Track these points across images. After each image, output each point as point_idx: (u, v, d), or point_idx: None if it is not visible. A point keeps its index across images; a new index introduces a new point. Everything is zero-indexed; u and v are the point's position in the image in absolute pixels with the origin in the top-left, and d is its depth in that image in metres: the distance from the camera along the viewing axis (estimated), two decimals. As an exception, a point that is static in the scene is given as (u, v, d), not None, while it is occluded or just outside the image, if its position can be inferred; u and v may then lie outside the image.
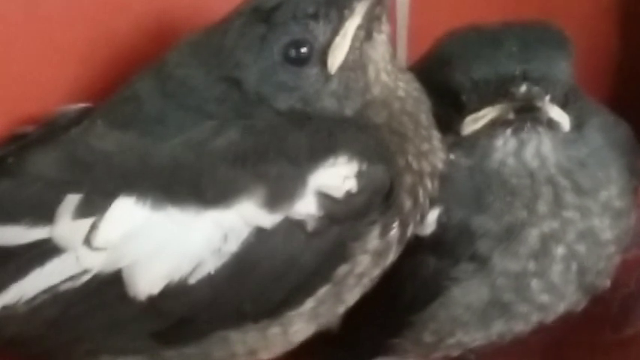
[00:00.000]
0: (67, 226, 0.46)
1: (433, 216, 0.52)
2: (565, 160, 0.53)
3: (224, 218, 0.45)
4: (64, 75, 0.58)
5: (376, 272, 0.49)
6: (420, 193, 0.49)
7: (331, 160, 0.46)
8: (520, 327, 0.55)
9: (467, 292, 0.53)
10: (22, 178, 0.48)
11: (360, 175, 0.46)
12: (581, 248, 0.53)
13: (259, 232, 0.45)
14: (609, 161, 0.54)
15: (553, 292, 0.54)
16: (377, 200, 0.47)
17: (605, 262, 0.55)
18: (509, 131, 0.51)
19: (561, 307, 0.55)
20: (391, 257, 0.49)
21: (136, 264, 0.46)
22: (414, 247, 0.51)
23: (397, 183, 0.48)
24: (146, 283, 0.46)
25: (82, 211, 0.46)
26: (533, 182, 0.52)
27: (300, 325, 0.49)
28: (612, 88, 0.59)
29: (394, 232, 0.48)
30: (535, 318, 0.55)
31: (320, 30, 0.48)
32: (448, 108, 0.53)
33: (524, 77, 0.50)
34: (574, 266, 0.54)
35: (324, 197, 0.46)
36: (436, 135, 0.51)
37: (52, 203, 0.47)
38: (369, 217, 0.47)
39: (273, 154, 0.46)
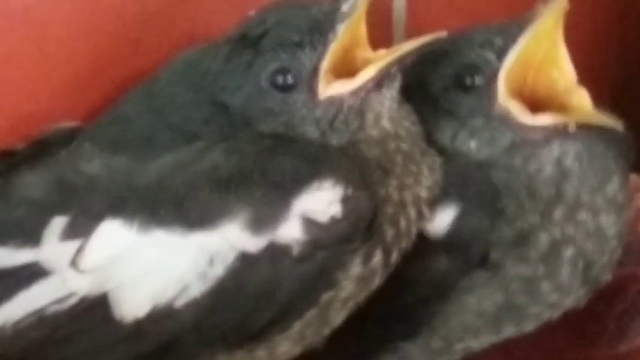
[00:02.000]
0: (53, 249, 0.46)
1: (448, 216, 0.51)
2: (596, 159, 0.53)
3: (210, 242, 0.45)
4: (63, 91, 0.58)
5: (362, 296, 0.49)
6: (402, 222, 0.49)
7: (316, 185, 0.46)
8: (530, 327, 0.55)
9: (481, 299, 0.53)
10: (10, 200, 0.48)
11: (345, 201, 0.46)
12: (588, 246, 0.53)
13: (245, 257, 0.45)
14: (609, 152, 0.54)
15: (561, 291, 0.54)
16: (361, 226, 0.47)
17: (608, 255, 0.55)
18: (556, 140, 0.51)
19: (567, 303, 0.55)
20: (377, 282, 0.49)
21: (122, 287, 0.46)
22: (426, 247, 0.51)
23: (378, 212, 0.48)
24: (132, 306, 0.46)
25: (69, 234, 0.46)
26: (559, 187, 0.52)
27: (286, 347, 0.49)
28: (613, 88, 0.59)
29: (377, 259, 0.48)
30: (545, 316, 0.55)
31: (306, 57, 0.49)
32: (453, 93, 0.53)
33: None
34: (581, 264, 0.53)
35: (309, 222, 0.46)
36: (428, 161, 0.52)
37: (38, 225, 0.47)
38: (353, 242, 0.47)
39: (257, 177, 0.46)
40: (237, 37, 0.50)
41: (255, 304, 0.46)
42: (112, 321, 0.46)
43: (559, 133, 0.51)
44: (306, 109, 0.49)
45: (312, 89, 0.49)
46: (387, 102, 0.50)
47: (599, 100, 0.57)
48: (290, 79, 0.49)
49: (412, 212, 0.50)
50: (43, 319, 0.46)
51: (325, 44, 0.48)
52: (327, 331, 0.50)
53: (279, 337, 0.48)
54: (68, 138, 0.52)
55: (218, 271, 0.45)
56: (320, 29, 0.48)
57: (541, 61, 0.51)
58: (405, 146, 0.51)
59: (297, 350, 0.50)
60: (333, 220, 0.46)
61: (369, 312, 0.51)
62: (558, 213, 0.52)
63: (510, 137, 0.52)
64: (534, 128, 0.51)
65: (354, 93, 0.49)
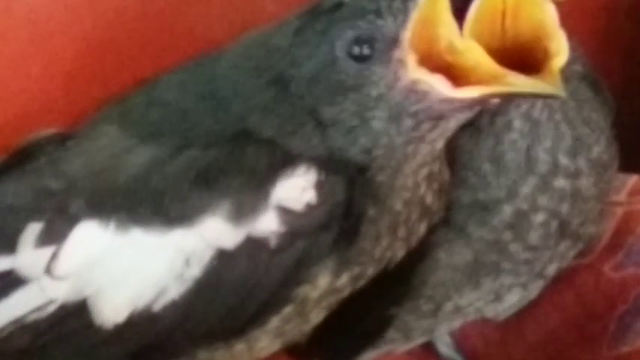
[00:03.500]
0: (28, 256, 0.46)
1: None
2: (571, 107, 0.51)
3: (186, 241, 0.45)
4: (65, 91, 0.58)
5: (333, 299, 0.48)
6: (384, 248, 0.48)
7: (289, 171, 0.45)
8: (510, 280, 0.54)
9: (451, 255, 0.52)
10: None
11: (319, 186, 0.45)
12: (563, 208, 0.52)
13: (222, 255, 0.45)
14: (596, 107, 0.53)
15: (534, 250, 0.53)
16: (338, 212, 0.45)
17: (585, 214, 0.54)
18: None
19: (547, 256, 0.54)
20: (347, 291, 0.48)
21: (99, 292, 0.45)
22: None
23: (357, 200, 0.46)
24: (110, 311, 0.45)
25: (43, 240, 0.46)
26: (529, 154, 0.51)
27: (265, 342, 0.48)
28: (613, 89, 0.59)
29: (345, 276, 0.47)
30: (523, 271, 0.54)
31: (386, 26, 0.44)
32: None
33: None
34: (554, 225, 0.53)
35: (285, 211, 0.45)
36: (430, 206, 0.50)
37: (14, 232, 0.46)
38: (331, 230, 0.45)
39: (233, 167, 0.45)
40: (309, 9, 0.47)
41: (235, 302, 0.46)
42: (93, 327, 0.45)
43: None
44: (384, 85, 0.44)
45: (391, 64, 0.44)
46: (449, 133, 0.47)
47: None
48: (367, 50, 0.44)
49: (399, 250, 0.49)
50: (24, 327, 0.46)
51: (406, 13, 0.44)
52: (307, 329, 0.49)
53: (257, 332, 0.47)
54: (47, 147, 0.51)
55: (195, 271, 0.45)
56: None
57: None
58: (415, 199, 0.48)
59: (277, 345, 0.49)
60: (309, 207, 0.45)
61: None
62: (527, 187, 0.51)
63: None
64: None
65: (445, 101, 0.44)
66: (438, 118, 0.45)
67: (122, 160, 0.47)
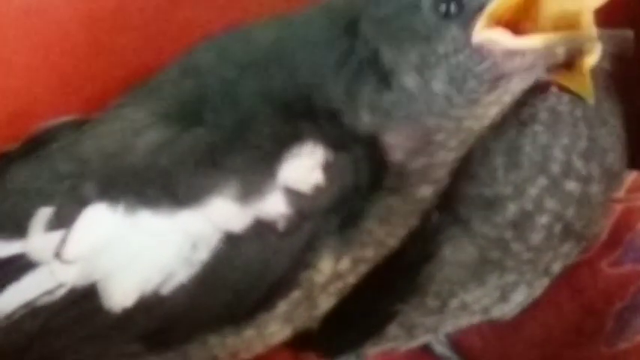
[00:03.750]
0: (39, 240, 0.46)
1: None
2: (590, 110, 0.51)
3: (194, 224, 0.44)
4: (63, 87, 0.58)
5: (349, 280, 0.48)
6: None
7: (295, 150, 0.44)
8: (514, 277, 0.54)
9: (455, 251, 0.52)
10: (1, 193, 0.48)
11: (327, 167, 0.44)
12: (569, 212, 0.52)
13: (229, 238, 0.44)
14: (614, 111, 0.53)
15: (536, 251, 0.53)
16: (348, 195, 0.45)
17: (590, 218, 0.53)
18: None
19: (550, 256, 0.54)
20: (361, 269, 0.48)
21: (108, 276, 0.45)
22: None
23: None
24: (119, 295, 0.45)
25: (53, 224, 0.46)
26: (546, 153, 0.51)
27: (275, 327, 0.48)
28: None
29: (346, 262, 0.47)
30: (526, 269, 0.54)
31: None
32: None
33: None
34: (558, 227, 0.52)
35: (292, 193, 0.44)
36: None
37: (25, 217, 0.47)
38: (339, 212, 0.45)
39: (240, 146, 0.45)
40: None
41: (243, 286, 0.45)
42: (102, 310, 0.45)
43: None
44: (451, 46, 0.44)
45: (468, 29, 0.43)
46: (509, 99, 0.45)
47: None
48: (453, 8, 0.43)
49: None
50: (35, 310, 0.46)
51: None
52: (317, 314, 0.49)
53: (266, 317, 0.47)
54: (59, 133, 0.51)
55: (202, 255, 0.44)
56: None
57: None
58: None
59: (288, 331, 0.49)
60: (317, 189, 0.44)
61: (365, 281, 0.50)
62: (536, 188, 0.51)
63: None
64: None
65: (507, 55, 0.43)
66: (499, 77, 0.44)
67: (134, 140, 0.46)
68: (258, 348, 0.49)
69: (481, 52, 0.43)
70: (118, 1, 0.59)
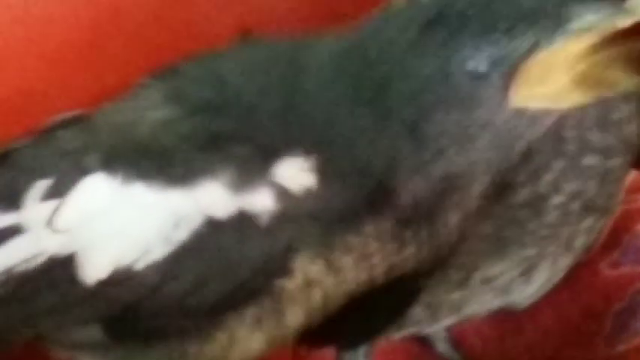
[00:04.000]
0: (33, 209, 0.46)
1: None
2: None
3: (180, 203, 0.44)
4: (61, 88, 0.58)
5: (317, 301, 0.47)
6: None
7: (294, 151, 0.44)
8: (535, 251, 0.53)
9: (474, 225, 0.50)
10: (5, 167, 0.49)
11: (322, 172, 0.44)
12: (590, 187, 0.51)
13: (211, 223, 0.44)
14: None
15: (553, 227, 0.52)
16: (335, 206, 0.44)
17: (611, 194, 0.53)
18: None
19: (570, 231, 0.53)
20: (318, 299, 0.47)
21: (88, 247, 0.45)
22: None
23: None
24: (95, 267, 0.45)
25: (50, 193, 0.46)
26: (558, 132, 0.49)
27: (244, 333, 0.47)
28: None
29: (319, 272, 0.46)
30: (546, 243, 0.53)
31: (512, 49, 0.42)
32: None
33: None
34: (576, 205, 0.51)
35: (282, 191, 0.44)
36: None
37: (24, 189, 0.47)
38: (323, 221, 0.45)
39: (242, 137, 0.45)
40: (426, 17, 0.43)
41: (214, 274, 0.45)
42: (76, 281, 0.45)
43: None
44: (489, 109, 0.42)
45: (504, 89, 0.42)
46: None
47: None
48: (484, 68, 0.42)
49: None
50: (9, 276, 0.46)
51: (536, 41, 0.41)
52: (286, 332, 0.48)
53: (234, 322, 0.47)
54: (70, 123, 0.51)
55: (182, 234, 0.44)
56: (531, 20, 0.41)
57: None
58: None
59: (260, 340, 0.48)
60: (307, 192, 0.44)
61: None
62: (551, 173, 0.50)
63: None
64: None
65: (537, 118, 0.43)
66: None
67: (142, 116, 0.47)
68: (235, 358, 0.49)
69: (522, 113, 0.43)
70: (115, 3, 0.59)
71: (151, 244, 0.45)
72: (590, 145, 0.50)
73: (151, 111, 0.47)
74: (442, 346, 0.64)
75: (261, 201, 0.44)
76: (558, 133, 0.49)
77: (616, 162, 0.51)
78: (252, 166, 0.44)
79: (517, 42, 0.41)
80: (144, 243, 0.45)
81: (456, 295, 0.55)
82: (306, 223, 0.45)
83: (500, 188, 0.50)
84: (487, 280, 0.54)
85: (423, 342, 0.64)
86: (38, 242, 0.46)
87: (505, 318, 0.60)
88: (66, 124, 0.52)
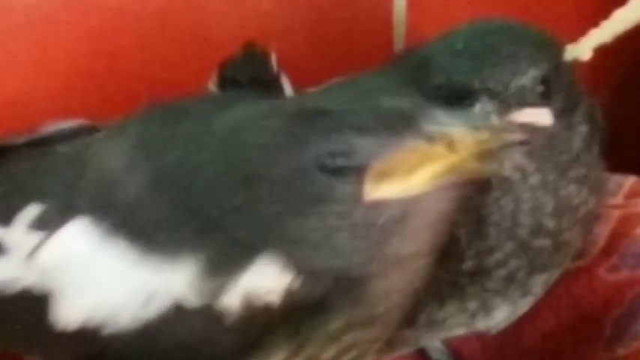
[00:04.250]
0: (18, 235, 0.47)
1: None
2: (551, 174, 0.50)
3: (153, 281, 0.44)
4: (63, 91, 0.59)
5: None
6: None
7: (264, 264, 0.44)
8: (475, 304, 0.53)
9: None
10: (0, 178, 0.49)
11: (288, 291, 0.44)
12: (541, 259, 0.51)
13: (179, 309, 0.44)
14: (591, 161, 0.52)
15: (495, 291, 0.52)
16: (300, 318, 0.45)
17: (566, 254, 0.53)
18: None
19: (518, 286, 0.53)
20: None
21: (63, 292, 0.45)
22: None
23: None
24: (65, 315, 0.45)
25: (37, 224, 0.46)
26: (514, 215, 0.50)
27: None
28: (613, 89, 0.59)
29: None
30: (491, 298, 0.53)
31: (364, 146, 0.42)
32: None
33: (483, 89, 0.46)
34: (521, 273, 0.52)
35: (250, 300, 0.44)
36: None
37: (15, 207, 0.47)
38: (290, 325, 0.45)
39: (225, 234, 0.44)
40: (293, 109, 0.45)
41: (180, 353, 0.45)
42: (46, 319, 0.45)
43: None
44: (346, 203, 0.43)
45: (359, 183, 0.42)
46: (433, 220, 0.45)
47: (599, 100, 0.57)
48: (343, 162, 0.42)
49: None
50: None
51: (388, 140, 0.42)
52: None
53: None
54: (67, 136, 0.52)
55: (150, 313, 0.44)
56: (391, 126, 0.42)
57: None
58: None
59: None
60: (268, 308, 0.44)
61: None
62: (501, 253, 0.50)
63: None
64: None
65: (400, 202, 0.43)
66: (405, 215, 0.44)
67: (126, 175, 0.47)
68: None
69: (377, 206, 0.43)
70: (118, 7, 0.59)
71: (120, 313, 0.44)
72: (543, 229, 0.51)
73: (127, 171, 0.46)
74: (437, 355, 0.64)
75: (229, 304, 0.44)
76: (513, 216, 0.50)
77: (570, 236, 0.52)
78: (223, 268, 0.44)
79: (370, 139, 0.42)
80: (113, 309, 0.45)
81: (406, 334, 0.55)
82: (274, 327, 0.44)
83: (445, 256, 0.49)
84: (433, 323, 0.54)
85: (420, 351, 0.64)
86: (17, 269, 0.46)
87: (504, 323, 0.61)
88: (66, 138, 0.52)
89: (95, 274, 0.45)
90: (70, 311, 0.45)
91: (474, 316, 0.54)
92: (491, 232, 0.50)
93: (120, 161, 0.47)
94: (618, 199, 0.62)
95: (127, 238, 0.45)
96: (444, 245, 0.47)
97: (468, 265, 0.51)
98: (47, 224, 0.46)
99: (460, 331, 0.57)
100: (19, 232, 0.47)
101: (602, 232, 0.61)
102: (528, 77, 0.47)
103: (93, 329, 0.45)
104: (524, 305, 0.56)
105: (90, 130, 0.52)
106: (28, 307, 0.46)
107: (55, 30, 0.58)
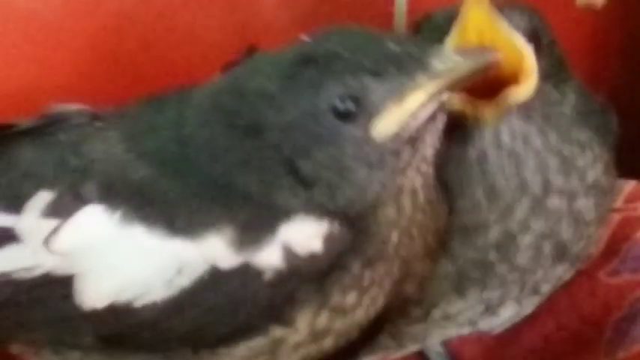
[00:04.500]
0: (32, 222, 0.47)
1: None
2: (553, 135, 0.51)
3: (185, 251, 0.45)
4: (65, 91, 0.58)
5: (313, 348, 0.48)
6: (366, 299, 0.48)
7: (302, 215, 0.45)
8: (498, 293, 0.54)
9: (436, 266, 0.52)
10: (3, 165, 0.49)
11: (327, 238, 0.45)
12: (562, 230, 0.52)
13: (214, 272, 0.45)
14: (594, 134, 0.53)
15: (523, 271, 0.53)
16: (340, 263, 0.46)
17: (587, 238, 0.54)
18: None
19: (539, 275, 0.54)
20: (329, 342, 0.48)
21: (87, 274, 0.45)
22: None
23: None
24: (92, 296, 0.45)
25: (50, 211, 0.46)
26: (521, 176, 0.51)
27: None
28: (613, 89, 0.59)
29: (325, 318, 0.47)
30: (512, 288, 0.54)
31: (374, 89, 0.44)
32: None
33: None
34: (547, 246, 0.52)
35: (289, 252, 0.45)
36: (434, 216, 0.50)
37: (25, 195, 0.47)
38: (326, 279, 0.46)
39: (249, 197, 0.45)
40: (296, 54, 0.45)
41: (213, 320, 0.46)
42: (71, 302, 0.46)
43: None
44: (358, 145, 0.44)
45: (369, 126, 0.44)
46: (436, 137, 0.46)
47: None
48: (352, 106, 0.44)
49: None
50: (7, 281, 0.46)
51: (401, 85, 0.44)
52: None
53: (226, 351, 0.47)
54: (69, 123, 0.51)
55: (184, 281, 0.45)
56: (398, 65, 0.44)
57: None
58: (414, 229, 0.48)
59: None
60: (312, 255, 0.45)
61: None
62: (521, 209, 0.51)
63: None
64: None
65: (405, 127, 0.45)
66: (413, 141, 0.45)
67: (130, 154, 0.47)
68: None
69: (385, 146, 0.45)
70: (120, 8, 0.59)
71: (153, 285, 0.45)
72: (553, 187, 0.51)
73: (129, 158, 0.47)
74: (436, 358, 0.64)
75: (268, 259, 0.45)
76: (520, 176, 0.51)
77: (583, 203, 0.52)
78: (257, 226, 0.45)
79: (382, 82, 0.44)
80: (144, 283, 0.45)
81: (417, 328, 0.56)
82: (309, 280, 0.45)
83: (470, 229, 0.51)
84: (447, 317, 0.55)
85: (419, 354, 0.64)
86: (35, 255, 0.46)
87: (505, 326, 0.61)
88: (68, 127, 0.51)
89: (120, 253, 0.45)
90: (99, 290, 0.46)
91: (485, 312, 0.55)
92: (504, 192, 0.51)
93: (120, 149, 0.48)
94: (618, 203, 0.62)
95: (148, 219, 0.45)
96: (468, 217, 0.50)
97: (494, 232, 0.51)
98: (60, 211, 0.46)
99: (465, 330, 0.57)
100: (32, 219, 0.47)
101: (603, 235, 0.60)
102: (518, 22, 0.49)
103: (124, 304, 0.45)
104: (529, 305, 0.56)
105: (90, 116, 0.52)
106: (51, 292, 0.46)
107: (56, 30, 0.58)
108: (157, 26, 0.60)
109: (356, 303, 0.47)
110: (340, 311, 0.47)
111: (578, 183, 0.52)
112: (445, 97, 0.45)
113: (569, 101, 0.52)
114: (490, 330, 0.58)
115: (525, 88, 0.48)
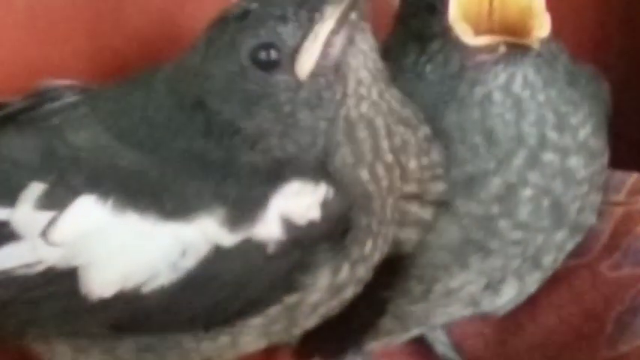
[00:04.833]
0: (26, 215, 0.47)
1: None
2: (553, 90, 0.52)
3: (184, 232, 0.45)
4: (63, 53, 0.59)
5: (334, 304, 0.49)
6: (379, 241, 0.49)
7: (296, 186, 0.46)
8: (499, 262, 0.54)
9: (438, 234, 0.52)
10: None
11: (324, 205, 0.46)
12: (556, 186, 0.53)
13: (218, 251, 0.45)
14: (579, 92, 0.54)
15: (524, 229, 0.53)
16: (339, 228, 0.46)
17: (582, 199, 0.54)
18: (500, 64, 0.50)
19: (540, 241, 0.54)
20: (349, 292, 0.49)
21: (91, 265, 0.46)
22: None
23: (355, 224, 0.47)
24: (99, 285, 0.46)
25: (44, 203, 0.46)
26: (519, 126, 0.51)
27: (250, 338, 0.49)
28: (613, 88, 0.59)
29: (345, 272, 0.48)
30: (513, 252, 0.54)
31: (289, 33, 0.46)
32: (421, 16, 0.52)
33: None
34: (546, 203, 0.53)
35: (287, 222, 0.45)
36: (417, 170, 0.50)
37: (17, 187, 0.47)
38: (330, 241, 0.46)
39: (235, 172, 0.46)
40: (216, 22, 0.48)
41: (223, 297, 0.46)
42: (78, 294, 0.46)
43: (503, 57, 0.50)
44: (290, 90, 0.46)
45: (293, 69, 0.46)
46: (366, 59, 0.47)
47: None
48: (273, 55, 0.46)
49: (389, 232, 0.49)
50: (11, 279, 0.46)
51: (310, 23, 0.46)
52: (296, 332, 0.50)
53: (241, 327, 0.48)
54: (60, 105, 0.52)
55: (189, 262, 0.45)
56: (306, 6, 0.46)
57: None
58: (396, 141, 0.49)
59: (262, 342, 0.50)
60: (311, 223, 0.46)
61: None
62: (518, 160, 0.52)
63: (458, 60, 0.51)
64: (477, 49, 0.50)
65: (325, 54, 0.46)
66: (338, 68, 0.46)
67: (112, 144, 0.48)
68: (230, 356, 0.50)
69: (315, 83, 0.46)
70: (117, 5, 0.59)
71: (158, 269, 0.45)
72: (548, 142, 0.52)
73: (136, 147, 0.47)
74: (443, 348, 0.64)
75: (267, 232, 0.45)
76: (518, 127, 0.51)
77: (574, 162, 0.53)
78: (249, 201, 0.45)
79: (292, 24, 0.46)
80: (150, 268, 0.45)
81: (420, 307, 0.55)
82: (313, 246, 0.46)
83: (471, 179, 0.52)
84: (449, 293, 0.55)
85: (425, 345, 0.64)
86: (36, 250, 0.46)
87: (506, 319, 0.60)
88: (56, 101, 0.52)
89: (120, 241, 0.46)
90: (105, 280, 0.46)
91: (487, 288, 0.55)
92: (502, 139, 0.51)
93: (103, 136, 0.48)
94: (621, 196, 0.62)
95: (142, 205, 0.46)
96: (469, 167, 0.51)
97: (495, 183, 0.52)
98: (54, 203, 0.46)
99: (468, 311, 0.57)
100: (26, 212, 0.47)
101: (605, 229, 0.61)
102: None
103: (132, 291, 0.46)
104: (532, 282, 0.56)
105: (80, 91, 0.52)
106: (57, 286, 0.46)
107: (55, 24, 0.58)
108: (158, 22, 0.60)
109: (373, 248, 0.48)
110: (361, 261, 0.48)
111: (570, 140, 0.53)
112: (354, 17, 0.46)
113: (561, 60, 0.53)
114: (494, 312, 0.58)
115: (543, 27, 0.49)
